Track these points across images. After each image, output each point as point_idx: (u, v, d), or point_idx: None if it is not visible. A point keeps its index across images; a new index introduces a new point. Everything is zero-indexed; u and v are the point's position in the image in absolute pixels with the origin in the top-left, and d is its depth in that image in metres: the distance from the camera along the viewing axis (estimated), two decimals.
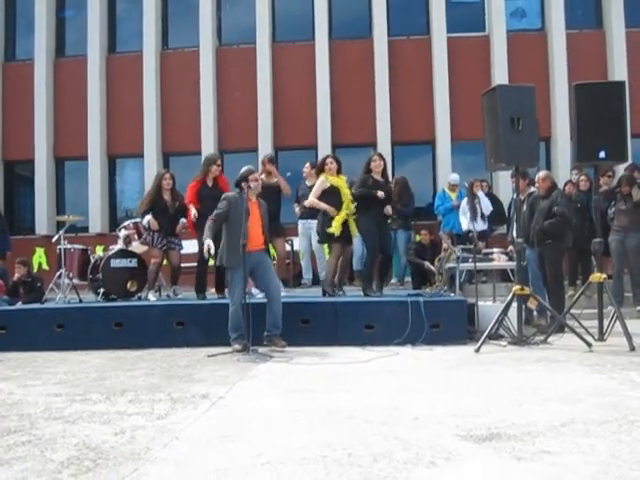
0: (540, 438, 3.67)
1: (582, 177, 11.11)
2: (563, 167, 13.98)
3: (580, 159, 7.89)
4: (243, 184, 7.68)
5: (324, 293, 9.23)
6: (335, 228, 8.96)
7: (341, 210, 9.06)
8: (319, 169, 9.51)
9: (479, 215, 11.61)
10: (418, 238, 12.82)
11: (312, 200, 9.35)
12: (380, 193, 8.95)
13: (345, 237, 9.18)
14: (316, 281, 11.73)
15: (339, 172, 9.38)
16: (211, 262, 8.71)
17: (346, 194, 9.16)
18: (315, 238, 10.30)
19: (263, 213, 7.84)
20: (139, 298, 9.75)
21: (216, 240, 7.59)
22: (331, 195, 9.18)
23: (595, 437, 3.67)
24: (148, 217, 9.52)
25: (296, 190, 11.29)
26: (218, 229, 7.62)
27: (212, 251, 7.53)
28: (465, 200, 11.81)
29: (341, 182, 9.26)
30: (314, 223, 9.94)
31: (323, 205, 9.16)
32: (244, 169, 7.91)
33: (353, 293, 9.95)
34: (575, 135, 7.79)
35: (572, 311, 7.88)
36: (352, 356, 7.05)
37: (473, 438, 3.71)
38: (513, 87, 8.52)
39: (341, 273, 9.56)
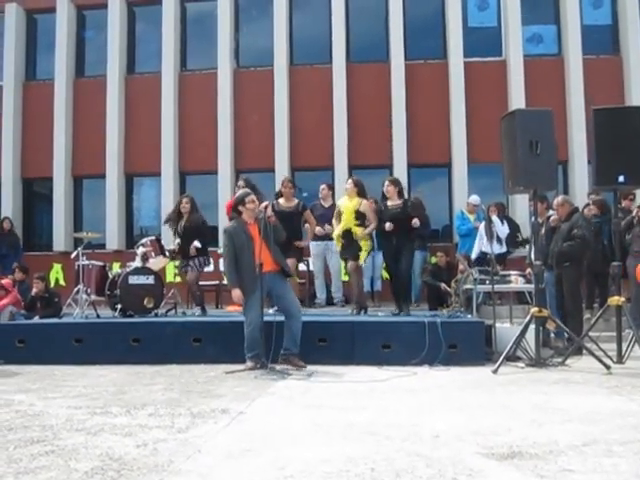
0: (562, 457, 3.67)
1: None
2: (580, 190, 13.94)
3: (599, 183, 7.91)
4: (240, 208, 7.73)
5: (360, 310, 9.60)
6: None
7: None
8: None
9: (495, 238, 11.64)
10: (434, 260, 12.82)
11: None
12: (387, 225, 9.31)
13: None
14: (330, 301, 11.77)
15: (361, 195, 9.54)
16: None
17: (348, 215, 9.54)
18: (331, 259, 10.91)
19: (265, 233, 7.53)
20: (156, 315, 9.82)
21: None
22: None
23: (618, 457, 3.66)
24: (178, 241, 10.00)
25: (310, 210, 11.19)
26: (234, 266, 7.55)
27: (238, 300, 7.51)
28: (483, 224, 11.85)
29: (349, 205, 9.59)
30: (332, 244, 10.17)
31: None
32: (240, 192, 7.97)
33: (369, 313, 9.98)
34: (594, 159, 7.81)
35: (590, 334, 7.86)
36: (369, 375, 7.06)
37: (495, 456, 3.71)
38: (532, 111, 8.55)
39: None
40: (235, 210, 7.82)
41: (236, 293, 7.45)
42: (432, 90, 15.51)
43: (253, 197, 7.74)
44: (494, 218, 11.75)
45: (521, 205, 13.93)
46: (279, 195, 10.25)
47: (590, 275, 10.44)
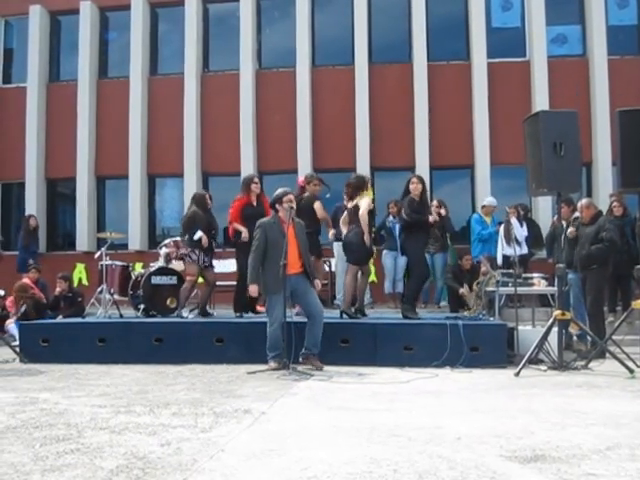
0: (586, 461, 3.64)
1: (615, 203, 10.98)
2: (604, 193, 13.82)
3: (624, 185, 7.84)
4: (277, 206, 7.76)
5: (341, 315, 8.97)
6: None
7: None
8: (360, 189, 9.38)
9: (513, 241, 11.55)
10: (451, 262, 12.70)
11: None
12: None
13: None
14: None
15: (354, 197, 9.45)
16: None
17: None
18: None
19: (299, 235, 7.77)
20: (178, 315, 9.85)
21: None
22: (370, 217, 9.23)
23: None
24: (200, 233, 9.46)
25: (334, 212, 11.01)
26: (261, 262, 7.61)
27: (255, 294, 7.77)
28: (502, 226, 11.80)
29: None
30: None
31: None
32: (279, 190, 7.92)
33: (390, 315, 9.95)
34: (619, 161, 7.75)
35: (613, 337, 7.80)
36: (391, 376, 7.07)
37: (518, 459, 3.69)
38: (556, 113, 8.48)
39: (361, 295, 9.54)
40: (272, 207, 7.89)
41: (253, 288, 7.62)
42: (455, 91, 15.47)
43: (291, 196, 7.79)
44: (512, 220, 11.68)
45: (544, 207, 13.86)
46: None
47: (613, 277, 10.36)
